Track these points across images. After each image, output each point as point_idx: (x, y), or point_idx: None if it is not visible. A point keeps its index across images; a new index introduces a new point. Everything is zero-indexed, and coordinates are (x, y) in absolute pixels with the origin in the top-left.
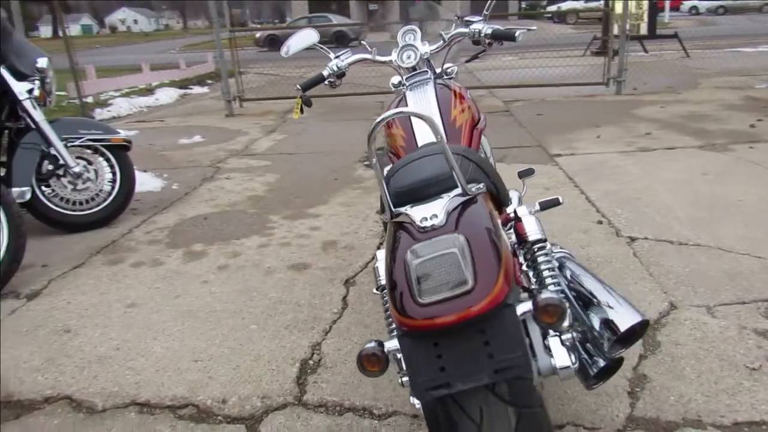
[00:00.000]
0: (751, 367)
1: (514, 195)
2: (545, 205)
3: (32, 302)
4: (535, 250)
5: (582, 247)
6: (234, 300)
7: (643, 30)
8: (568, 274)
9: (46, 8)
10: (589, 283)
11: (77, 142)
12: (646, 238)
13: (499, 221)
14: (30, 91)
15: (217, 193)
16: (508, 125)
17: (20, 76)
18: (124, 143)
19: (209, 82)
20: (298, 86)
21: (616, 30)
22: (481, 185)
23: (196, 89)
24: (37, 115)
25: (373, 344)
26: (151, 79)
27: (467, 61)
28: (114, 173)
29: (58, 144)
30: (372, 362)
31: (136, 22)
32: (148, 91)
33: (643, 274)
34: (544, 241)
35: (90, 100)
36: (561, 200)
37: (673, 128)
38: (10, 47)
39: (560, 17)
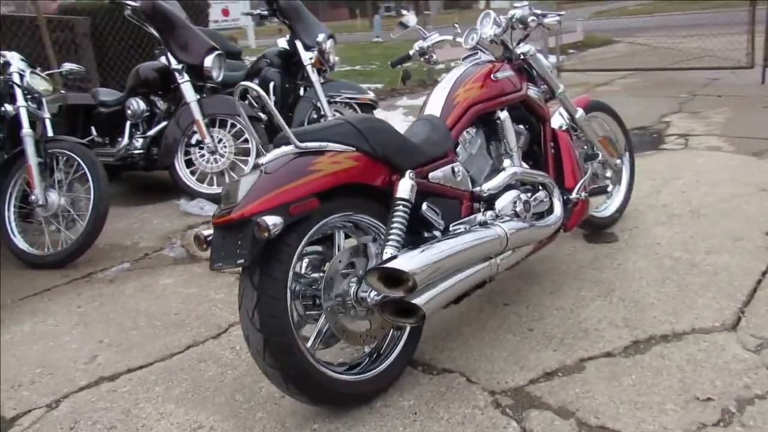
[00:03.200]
0: None
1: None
2: (594, 192)
3: None
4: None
5: None
6: None
7: None
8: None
9: None
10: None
11: (337, 99)
12: None
13: (317, 174)
14: (310, 59)
15: None
16: None
17: (306, 47)
18: (371, 102)
19: (571, 51)
20: (390, 62)
21: None
22: (336, 146)
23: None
24: (314, 77)
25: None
26: None
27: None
28: None
29: (323, 99)
30: (199, 242)
31: None
32: None
33: None
34: (406, 201)
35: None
36: (609, 189)
37: None
38: (300, 25)
39: None
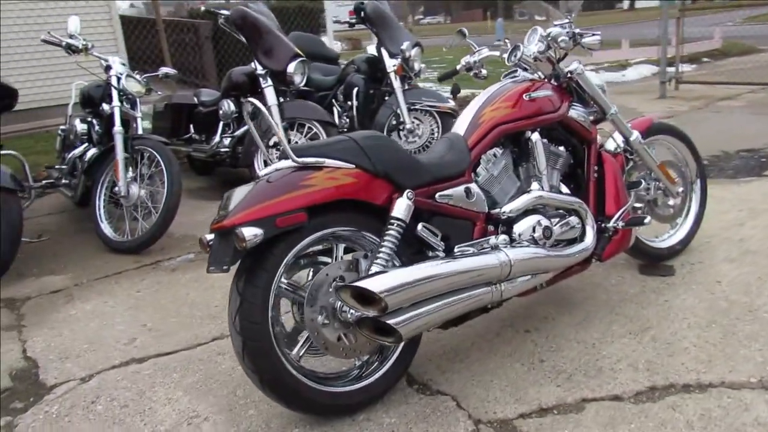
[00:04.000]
0: None
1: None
2: (631, 223)
3: None
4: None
5: None
6: None
7: None
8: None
9: None
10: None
11: (418, 106)
12: None
13: (312, 188)
14: (394, 66)
15: None
16: None
17: (391, 55)
18: (451, 111)
19: (705, 60)
20: (437, 76)
21: None
22: (335, 162)
23: (685, 67)
24: (396, 84)
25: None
26: (630, 55)
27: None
28: (436, 133)
29: (403, 106)
30: (202, 245)
31: None
32: (622, 66)
33: None
34: (400, 221)
35: None
36: (646, 221)
37: None
38: (386, 34)
39: None
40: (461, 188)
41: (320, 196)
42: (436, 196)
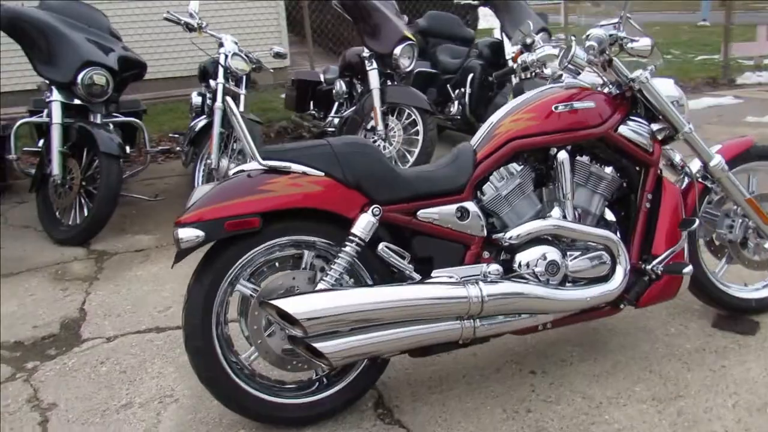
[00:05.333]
0: None
1: None
2: (668, 270)
3: None
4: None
5: None
6: None
7: None
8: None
9: None
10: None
11: None
12: None
13: (268, 195)
14: (513, 52)
15: None
16: None
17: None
18: None
19: None
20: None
21: None
22: (302, 168)
23: None
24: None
25: None
26: None
27: None
28: None
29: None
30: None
31: None
32: (758, 67)
33: None
34: (359, 240)
35: (749, 62)
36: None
37: None
38: (508, 16)
39: None
40: (452, 207)
41: (278, 202)
42: (419, 213)
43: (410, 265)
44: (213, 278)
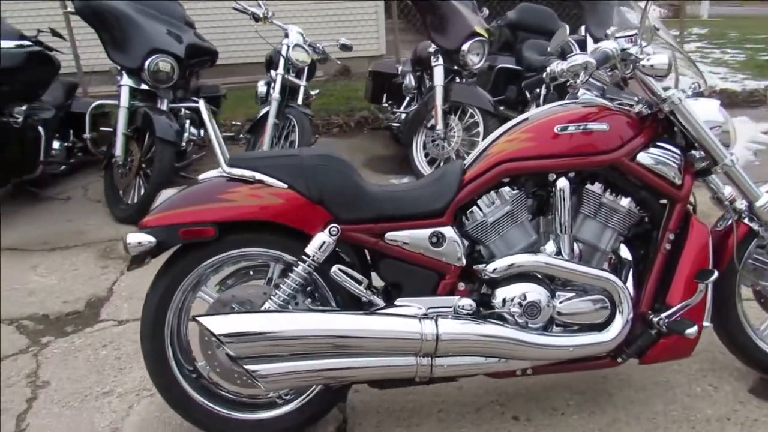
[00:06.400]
0: None
1: None
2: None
3: None
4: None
5: None
6: None
7: None
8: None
9: None
10: None
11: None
12: None
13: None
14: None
15: None
16: None
17: (595, 39)
18: None
19: None
20: (523, 85)
21: None
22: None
23: None
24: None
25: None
26: None
27: None
28: None
29: None
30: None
31: None
32: None
33: None
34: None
35: None
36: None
37: None
38: (592, 10)
39: None
40: (426, 231)
41: (235, 213)
42: (386, 236)
43: (367, 291)
44: (168, 285)
